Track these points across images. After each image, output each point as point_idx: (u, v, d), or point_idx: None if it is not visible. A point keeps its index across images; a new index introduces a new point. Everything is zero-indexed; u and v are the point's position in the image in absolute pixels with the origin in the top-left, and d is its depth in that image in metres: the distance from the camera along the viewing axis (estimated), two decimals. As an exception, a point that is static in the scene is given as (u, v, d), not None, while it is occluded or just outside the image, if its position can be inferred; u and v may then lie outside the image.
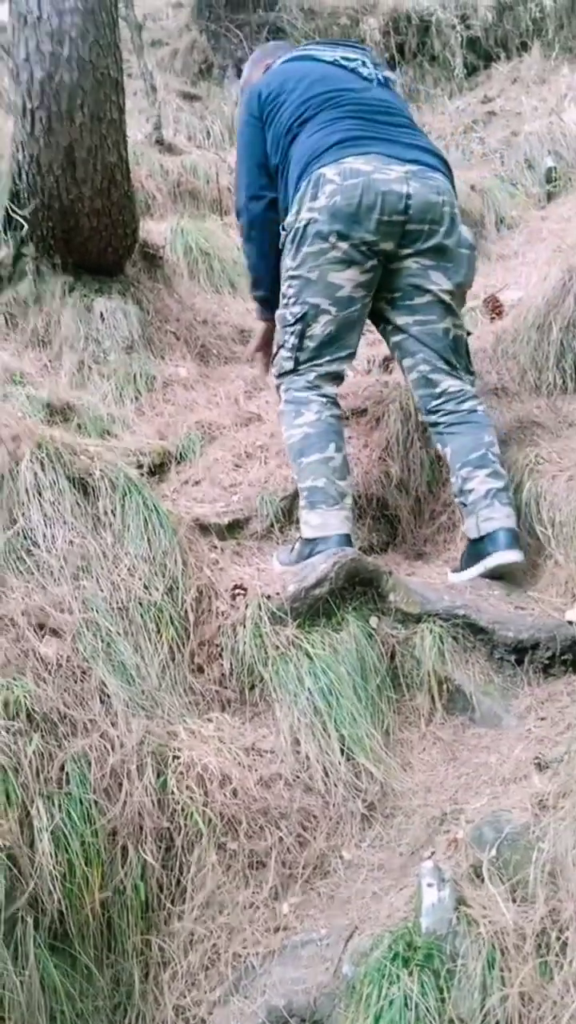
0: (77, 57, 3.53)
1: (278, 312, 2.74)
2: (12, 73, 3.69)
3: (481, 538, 2.58)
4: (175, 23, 9.09)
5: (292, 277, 2.63)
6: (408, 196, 2.53)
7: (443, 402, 2.72)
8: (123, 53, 3.92)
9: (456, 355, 2.73)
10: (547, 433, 2.95)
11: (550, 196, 5.88)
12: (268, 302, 2.93)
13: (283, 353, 2.71)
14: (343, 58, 2.79)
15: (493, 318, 4.08)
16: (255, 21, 8.22)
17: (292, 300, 2.65)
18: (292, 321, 2.65)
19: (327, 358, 2.67)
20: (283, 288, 2.69)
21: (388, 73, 2.89)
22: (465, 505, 2.65)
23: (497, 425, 3.09)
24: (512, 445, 2.94)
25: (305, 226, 2.56)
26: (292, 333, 2.66)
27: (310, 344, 2.65)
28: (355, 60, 2.80)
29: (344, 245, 2.53)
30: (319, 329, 2.63)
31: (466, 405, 2.71)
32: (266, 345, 3.12)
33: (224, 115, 7.44)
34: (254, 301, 3.15)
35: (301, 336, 2.65)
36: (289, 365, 2.70)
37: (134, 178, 4.28)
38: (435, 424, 2.75)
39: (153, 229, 4.90)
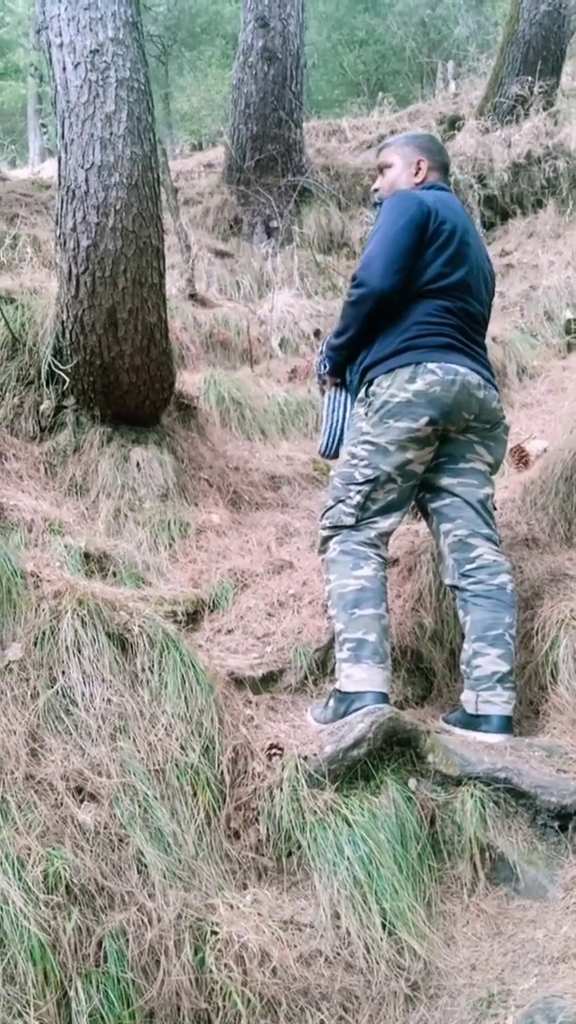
0: (121, 228, 3.74)
1: (342, 469, 2.83)
2: (59, 240, 3.91)
3: (477, 715, 2.66)
4: (206, 183, 9.64)
5: (368, 442, 2.75)
6: (481, 400, 2.77)
7: (477, 569, 2.77)
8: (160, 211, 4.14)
9: (492, 520, 2.86)
10: (581, 587, 2.95)
11: (570, 347, 6.06)
12: (340, 362, 3.01)
13: (344, 508, 2.79)
14: (481, 257, 2.94)
15: (520, 468, 4.15)
16: (283, 183, 8.69)
17: (364, 463, 2.76)
18: (361, 481, 2.76)
19: (387, 520, 2.79)
20: (354, 447, 2.79)
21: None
22: (468, 678, 2.73)
23: (529, 577, 3.11)
24: (545, 599, 2.94)
25: (398, 402, 2.70)
26: (359, 492, 2.77)
27: (372, 506, 2.77)
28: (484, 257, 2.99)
29: (428, 429, 2.71)
30: (383, 495, 2.76)
31: (498, 580, 2.77)
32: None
33: (253, 269, 7.79)
34: (337, 361, 3.01)
35: (367, 497, 2.76)
36: (350, 521, 2.78)
37: (169, 331, 4.46)
38: (462, 590, 2.80)
39: (187, 380, 5.08)
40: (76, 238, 3.77)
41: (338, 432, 3.07)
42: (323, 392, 3.17)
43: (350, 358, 2.94)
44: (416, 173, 2.97)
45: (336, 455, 3.09)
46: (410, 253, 2.73)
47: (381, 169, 3.07)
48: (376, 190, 3.08)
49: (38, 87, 19.37)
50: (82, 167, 3.79)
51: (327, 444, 3.11)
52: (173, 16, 19.32)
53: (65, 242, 3.81)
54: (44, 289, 4.58)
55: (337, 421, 3.08)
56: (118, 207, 3.75)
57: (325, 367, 3.05)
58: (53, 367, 4.02)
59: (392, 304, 2.73)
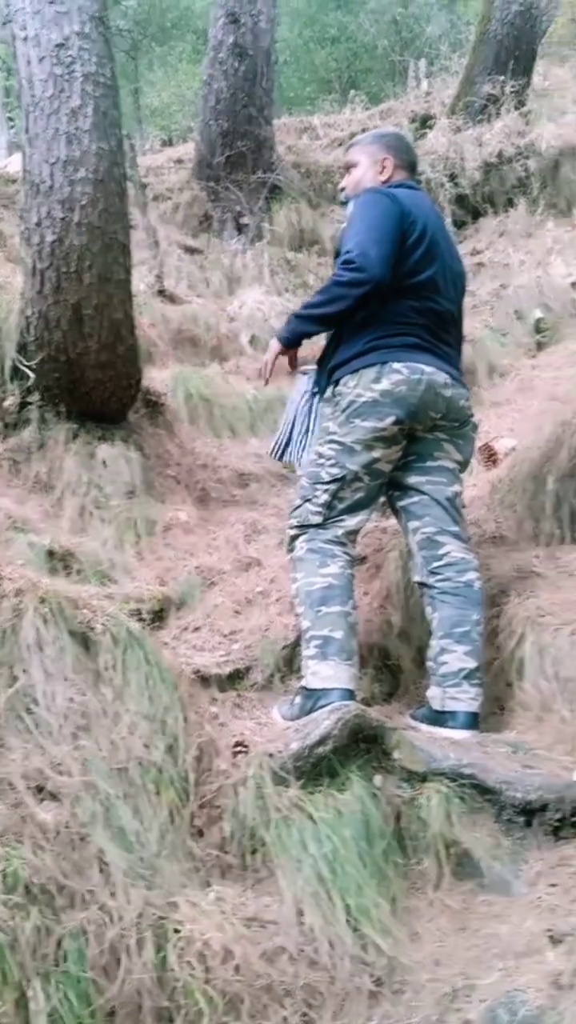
0: (87, 223, 3.72)
1: (310, 468, 2.82)
2: (23, 236, 3.87)
3: (443, 712, 2.68)
4: (176, 178, 9.58)
5: (335, 442, 2.75)
6: (448, 399, 2.77)
7: (444, 567, 2.78)
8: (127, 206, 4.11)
9: (460, 518, 2.88)
10: (547, 584, 2.96)
11: (540, 346, 6.09)
12: (300, 343, 2.91)
13: (310, 507, 2.79)
14: (451, 256, 2.93)
15: (488, 466, 4.17)
16: (253, 180, 8.67)
17: (331, 462, 2.75)
18: (328, 480, 2.75)
19: (354, 518, 2.79)
20: (321, 447, 2.79)
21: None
22: (435, 674, 2.74)
23: (496, 574, 3.12)
24: (512, 595, 2.96)
25: (364, 402, 2.70)
26: (326, 491, 2.76)
27: (339, 505, 2.77)
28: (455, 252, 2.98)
29: (395, 428, 2.71)
30: (350, 494, 2.76)
31: (465, 577, 2.78)
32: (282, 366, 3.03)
33: (223, 266, 7.76)
34: (298, 330, 2.85)
35: (334, 496, 2.76)
36: (317, 519, 2.78)
37: (137, 327, 4.43)
38: (430, 587, 2.81)
39: (155, 376, 5.05)
40: (41, 233, 3.74)
41: (286, 437, 3.06)
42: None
43: (310, 335, 2.87)
44: (381, 171, 2.96)
45: (281, 458, 3.08)
46: (397, 248, 2.71)
47: (348, 167, 3.06)
48: (343, 188, 3.07)
49: (5, 80, 19.16)
50: (47, 162, 3.76)
51: (274, 447, 3.11)
52: (143, 11, 19.22)
53: (30, 237, 3.78)
54: (9, 284, 4.54)
55: (289, 423, 3.07)
56: (84, 203, 3.73)
57: (286, 332, 2.87)
58: (17, 363, 3.98)
59: (379, 295, 2.68)
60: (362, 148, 3.03)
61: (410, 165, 3.05)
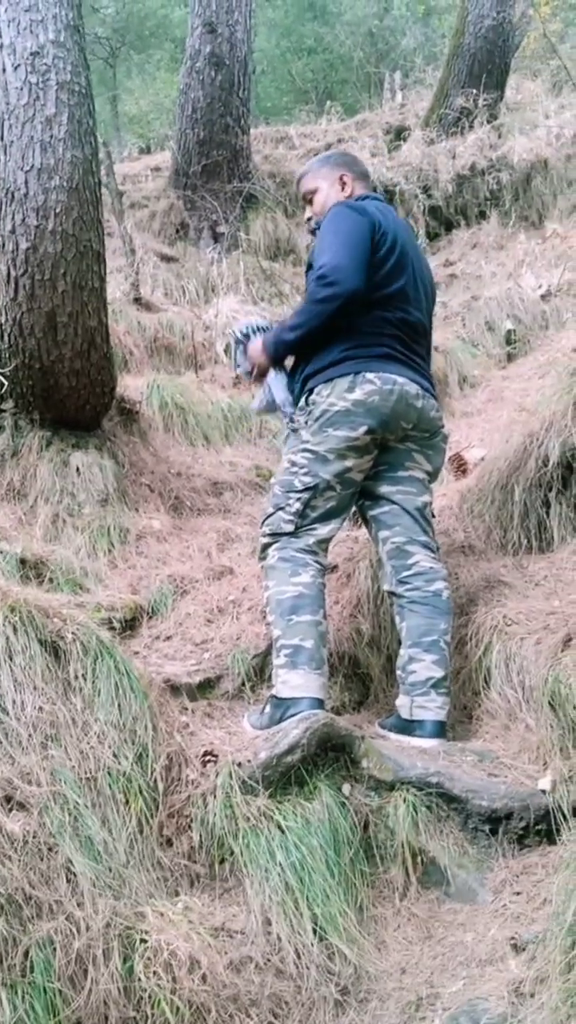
0: (61, 231, 3.72)
1: (282, 477, 2.83)
2: (-2, 242, 3.87)
3: (411, 720, 2.70)
4: (153, 186, 9.60)
5: (307, 451, 2.77)
6: (419, 409, 2.80)
7: (413, 576, 2.80)
8: (103, 213, 4.12)
9: (430, 528, 2.91)
10: (514, 593, 2.99)
11: (510, 357, 6.15)
12: (284, 357, 2.93)
13: (283, 515, 2.79)
14: (420, 266, 2.94)
15: (458, 476, 4.20)
16: (230, 189, 8.70)
17: (304, 471, 2.76)
18: (301, 489, 2.77)
19: (326, 527, 2.81)
20: (294, 455, 2.80)
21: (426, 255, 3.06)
22: (404, 683, 2.76)
23: (465, 583, 3.15)
24: (480, 605, 2.98)
25: (337, 411, 2.72)
26: (298, 500, 2.77)
27: (311, 514, 2.78)
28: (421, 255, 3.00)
29: (367, 438, 2.74)
30: (322, 503, 2.78)
31: (434, 587, 2.80)
32: (260, 377, 3.00)
33: (199, 274, 7.78)
34: (282, 350, 2.89)
35: (306, 504, 2.77)
36: (289, 528, 2.79)
37: (112, 334, 4.44)
38: (399, 596, 2.83)
39: (130, 384, 5.05)
40: (15, 240, 3.74)
41: (268, 395, 2.98)
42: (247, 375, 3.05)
43: (294, 352, 2.89)
44: (343, 188, 2.99)
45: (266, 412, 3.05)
46: (369, 258, 2.73)
47: (307, 199, 3.08)
48: (310, 218, 3.07)
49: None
50: (22, 169, 3.76)
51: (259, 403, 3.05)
52: (122, 19, 19.22)
53: (4, 244, 3.77)
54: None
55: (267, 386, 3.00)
56: (58, 210, 3.73)
57: (270, 353, 2.89)
58: (-9, 370, 3.98)
59: (357, 305, 2.70)
60: (314, 174, 3.05)
61: (364, 175, 3.09)
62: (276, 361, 2.94)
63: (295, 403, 2.90)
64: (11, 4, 3.85)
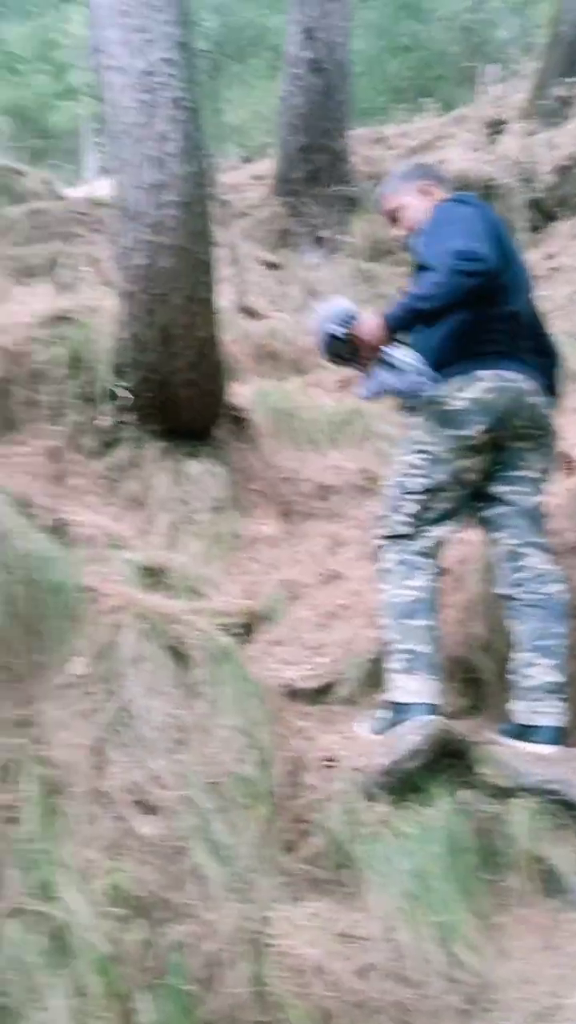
0: (175, 246, 3.83)
1: (397, 479, 2.80)
2: (116, 259, 4.00)
3: (527, 726, 2.66)
4: (256, 194, 9.69)
5: (423, 451, 2.74)
6: (532, 406, 2.76)
7: (527, 579, 2.77)
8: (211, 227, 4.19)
9: (543, 529, 2.87)
10: None
11: (618, 351, 5.98)
12: (406, 329, 2.74)
13: (399, 517, 2.78)
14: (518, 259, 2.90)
15: (568, 474, 4.13)
16: (330, 193, 8.72)
17: (420, 472, 2.74)
18: (419, 491, 2.74)
19: (442, 529, 2.79)
20: (410, 456, 2.78)
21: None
22: (519, 688, 2.72)
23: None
24: (598, 609, 2.93)
25: (453, 410, 2.70)
26: (416, 502, 2.75)
27: (427, 516, 2.76)
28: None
29: (484, 437, 2.71)
30: (439, 504, 2.75)
31: (548, 589, 2.76)
32: (369, 359, 2.75)
33: (301, 280, 7.82)
34: (407, 317, 2.66)
35: (424, 507, 2.75)
36: (405, 530, 2.77)
37: (221, 343, 4.51)
38: (513, 599, 2.80)
39: (238, 392, 5.13)
40: (132, 257, 3.86)
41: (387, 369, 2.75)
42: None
43: (412, 326, 2.71)
44: (429, 195, 2.96)
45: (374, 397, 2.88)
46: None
47: (393, 218, 3.06)
48: (405, 233, 3.01)
49: (94, 107, 19.63)
50: (136, 187, 3.87)
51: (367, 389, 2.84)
52: (223, 32, 19.46)
53: (121, 261, 3.90)
54: (101, 307, 4.67)
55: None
56: (172, 226, 3.84)
57: (391, 326, 2.65)
58: (114, 384, 4.12)
59: (486, 291, 2.60)
60: (396, 192, 3.03)
61: (442, 179, 3.08)
62: (397, 328, 2.68)
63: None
64: (123, 25, 3.96)
